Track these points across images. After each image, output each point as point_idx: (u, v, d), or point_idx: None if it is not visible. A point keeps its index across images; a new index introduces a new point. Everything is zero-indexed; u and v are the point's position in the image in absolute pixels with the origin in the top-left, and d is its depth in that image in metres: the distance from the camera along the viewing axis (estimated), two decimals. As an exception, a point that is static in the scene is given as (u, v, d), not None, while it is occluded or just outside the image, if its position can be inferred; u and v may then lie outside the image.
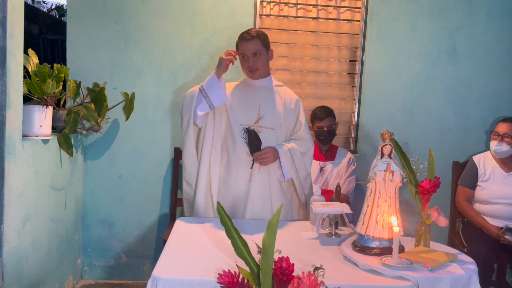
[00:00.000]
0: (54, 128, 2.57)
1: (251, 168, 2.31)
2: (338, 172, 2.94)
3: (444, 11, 3.14)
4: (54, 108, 2.53)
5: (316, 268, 1.25)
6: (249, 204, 2.31)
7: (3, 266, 2.00)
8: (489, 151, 2.89)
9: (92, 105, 2.75)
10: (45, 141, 2.39)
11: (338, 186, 2.41)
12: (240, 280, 1.22)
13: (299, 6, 3.17)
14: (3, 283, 2.00)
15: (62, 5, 9.76)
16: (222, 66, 2.29)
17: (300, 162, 2.36)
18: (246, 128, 2.30)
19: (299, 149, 2.35)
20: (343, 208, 1.97)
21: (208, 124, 2.37)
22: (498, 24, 3.16)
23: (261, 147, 2.29)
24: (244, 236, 1.30)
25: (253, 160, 2.30)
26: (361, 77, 3.18)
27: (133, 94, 2.97)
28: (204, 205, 2.36)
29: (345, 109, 3.25)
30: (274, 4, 3.15)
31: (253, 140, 2.27)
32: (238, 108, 2.35)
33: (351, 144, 3.26)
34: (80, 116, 2.63)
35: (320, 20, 3.17)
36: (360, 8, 3.16)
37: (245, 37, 2.31)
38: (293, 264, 1.20)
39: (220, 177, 2.34)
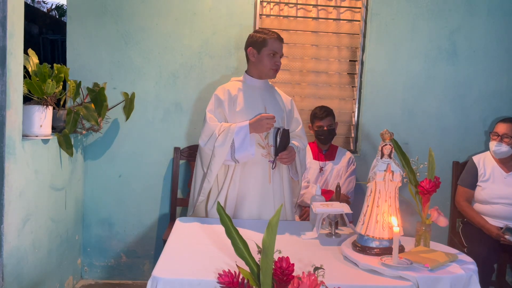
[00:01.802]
0: (54, 128, 2.57)
1: (273, 168, 2.32)
2: (338, 172, 2.94)
3: (444, 11, 3.14)
4: (54, 108, 2.53)
5: (316, 268, 1.25)
6: (274, 204, 2.32)
7: (3, 266, 2.00)
8: (489, 151, 2.89)
9: (92, 105, 2.75)
10: (45, 141, 2.39)
11: (338, 186, 2.41)
12: (240, 280, 1.22)
13: (299, 6, 3.17)
14: (3, 283, 2.00)
15: (62, 5, 9.73)
16: (261, 129, 2.21)
17: (303, 159, 2.45)
18: (279, 128, 2.28)
19: (301, 146, 2.42)
20: (343, 208, 1.97)
21: None
22: (498, 24, 3.16)
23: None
24: (244, 236, 1.30)
25: (274, 160, 2.29)
26: (361, 77, 3.18)
27: (133, 94, 2.97)
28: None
29: (345, 109, 3.25)
30: (274, 4, 3.15)
31: (285, 139, 2.25)
32: (246, 112, 2.30)
33: (351, 144, 3.26)
34: (80, 116, 2.63)
35: (320, 20, 3.17)
36: (360, 8, 3.16)
37: (279, 38, 2.30)
38: (293, 264, 1.20)
39: (235, 181, 2.29)
